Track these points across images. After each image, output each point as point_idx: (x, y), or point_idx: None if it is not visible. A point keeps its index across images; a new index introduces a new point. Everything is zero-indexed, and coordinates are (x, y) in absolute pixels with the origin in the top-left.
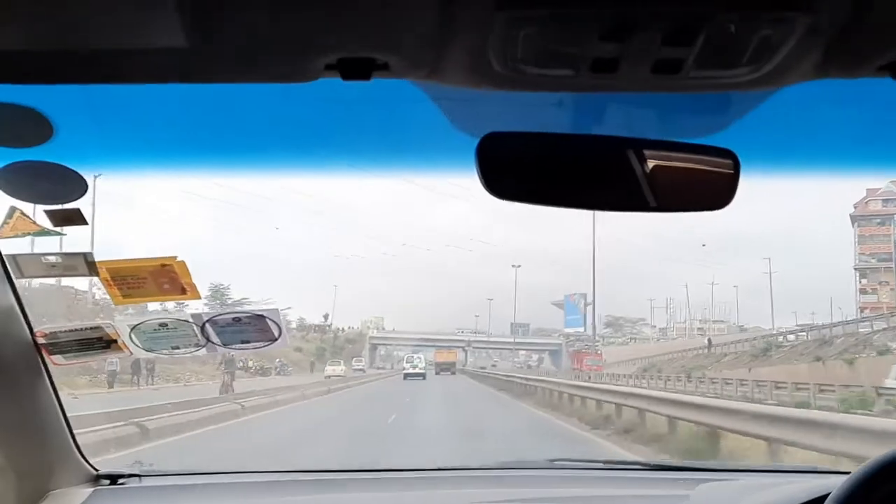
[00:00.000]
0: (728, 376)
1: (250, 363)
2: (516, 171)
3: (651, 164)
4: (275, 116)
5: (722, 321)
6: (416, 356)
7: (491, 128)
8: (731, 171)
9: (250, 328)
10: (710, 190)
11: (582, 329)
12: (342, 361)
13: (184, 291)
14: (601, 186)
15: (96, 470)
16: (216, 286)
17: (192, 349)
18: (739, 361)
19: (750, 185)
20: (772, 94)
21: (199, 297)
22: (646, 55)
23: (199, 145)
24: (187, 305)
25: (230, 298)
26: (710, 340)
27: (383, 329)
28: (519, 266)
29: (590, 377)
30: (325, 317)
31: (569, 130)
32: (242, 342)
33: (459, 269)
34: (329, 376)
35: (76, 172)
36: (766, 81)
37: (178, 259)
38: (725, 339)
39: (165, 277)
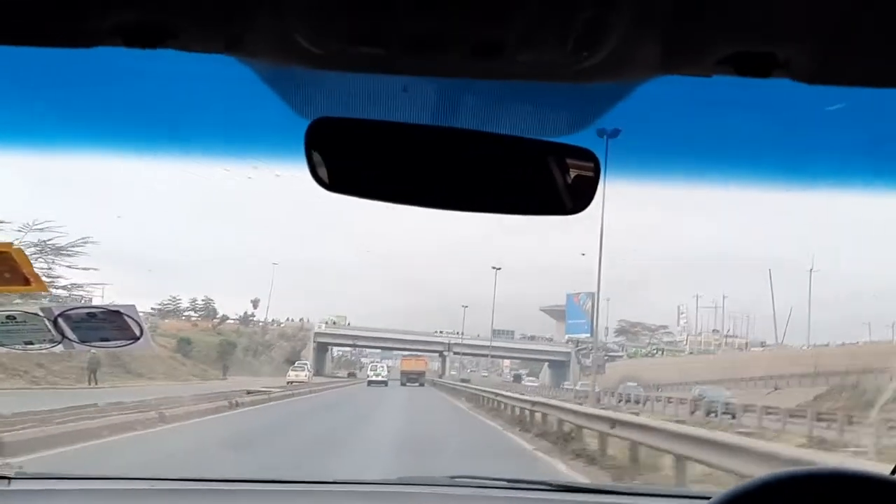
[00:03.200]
0: None
1: None
2: (348, 161)
3: (503, 161)
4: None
5: (735, 336)
6: (379, 365)
7: (328, 113)
8: (591, 174)
9: (108, 325)
10: (567, 192)
11: (588, 335)
12: (307, 365)
13: (27, 282)
14: (446, 183)
15: None
16: None
17: (48, 345)
18: None
19: (614, 190)
20: (630, 92)
21: (46, 290)
22: (464, 33)
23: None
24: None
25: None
26: None
27: (333, 324)
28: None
29: None
30: (254, 303)
31: (418, 120)
32: (101, 339)
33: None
34: (291, 382)
35: None
36: (604, 73)
37: (16, 246)
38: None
39: (4, 266)
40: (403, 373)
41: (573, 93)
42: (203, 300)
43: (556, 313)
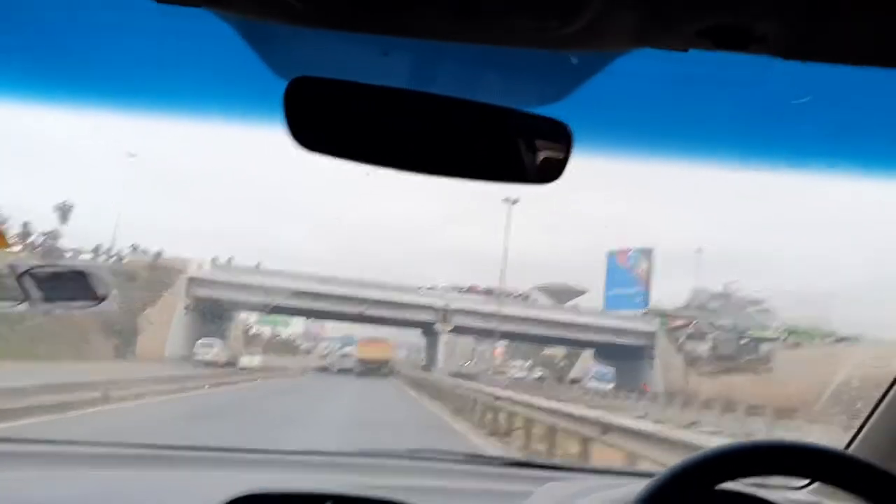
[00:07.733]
0: None
1: None
2: (327, 121)
3: (477, 128)
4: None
5: None
6: (346, 349)
7: (307, 73)
8: (564, 145)
9: (73, 285)
10: (539, 162)
11: (643, 311)
12: (217, 345)
13: None
14: (421, 147)
15: None
16: None
17: (11, 303)
18: None
19: (587, 163)
20: (608, 65)
21: (7, 246)
22: None
23: None
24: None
25: None
26: None
27: (229, 265)
28: None
29: None
30: (62, 211)
31: (396, 85)
32: (66, 300)
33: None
34: (244, 367)
35: None
36: (580, 41)
37: None
38: None
39: None
40: (361, 360)
41: (552, 64)
42: None
43: (557, 293)
